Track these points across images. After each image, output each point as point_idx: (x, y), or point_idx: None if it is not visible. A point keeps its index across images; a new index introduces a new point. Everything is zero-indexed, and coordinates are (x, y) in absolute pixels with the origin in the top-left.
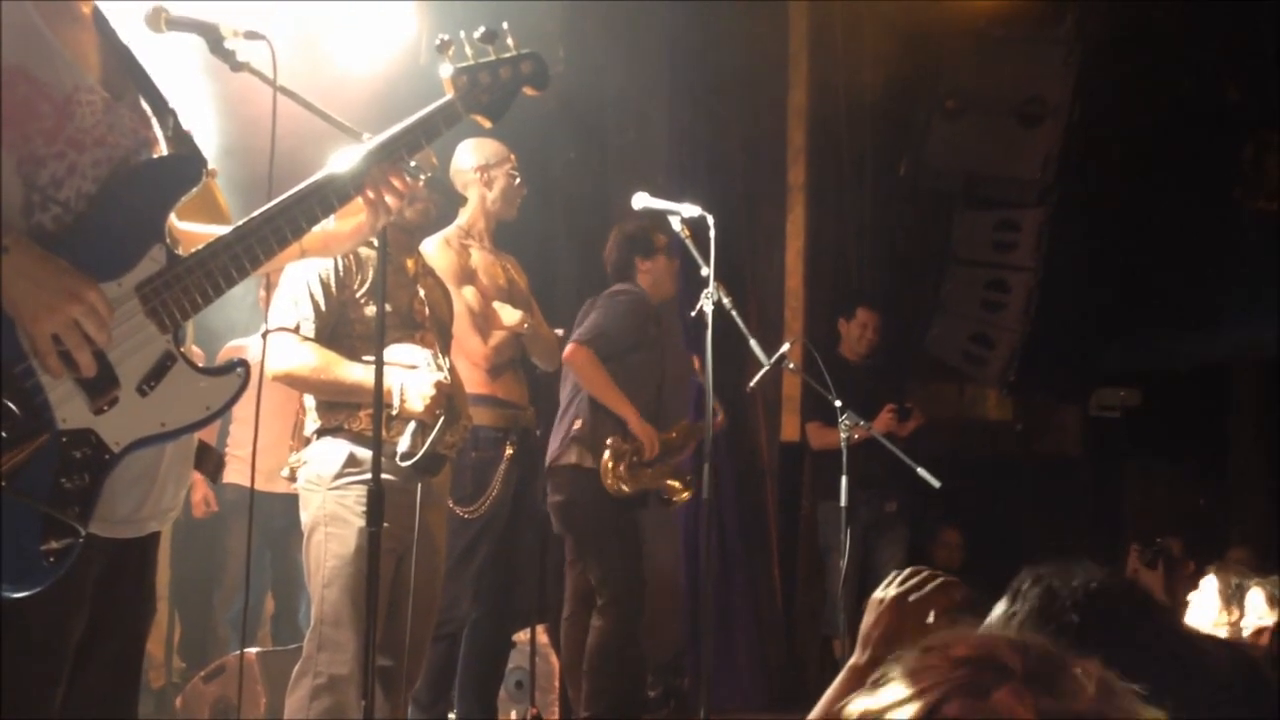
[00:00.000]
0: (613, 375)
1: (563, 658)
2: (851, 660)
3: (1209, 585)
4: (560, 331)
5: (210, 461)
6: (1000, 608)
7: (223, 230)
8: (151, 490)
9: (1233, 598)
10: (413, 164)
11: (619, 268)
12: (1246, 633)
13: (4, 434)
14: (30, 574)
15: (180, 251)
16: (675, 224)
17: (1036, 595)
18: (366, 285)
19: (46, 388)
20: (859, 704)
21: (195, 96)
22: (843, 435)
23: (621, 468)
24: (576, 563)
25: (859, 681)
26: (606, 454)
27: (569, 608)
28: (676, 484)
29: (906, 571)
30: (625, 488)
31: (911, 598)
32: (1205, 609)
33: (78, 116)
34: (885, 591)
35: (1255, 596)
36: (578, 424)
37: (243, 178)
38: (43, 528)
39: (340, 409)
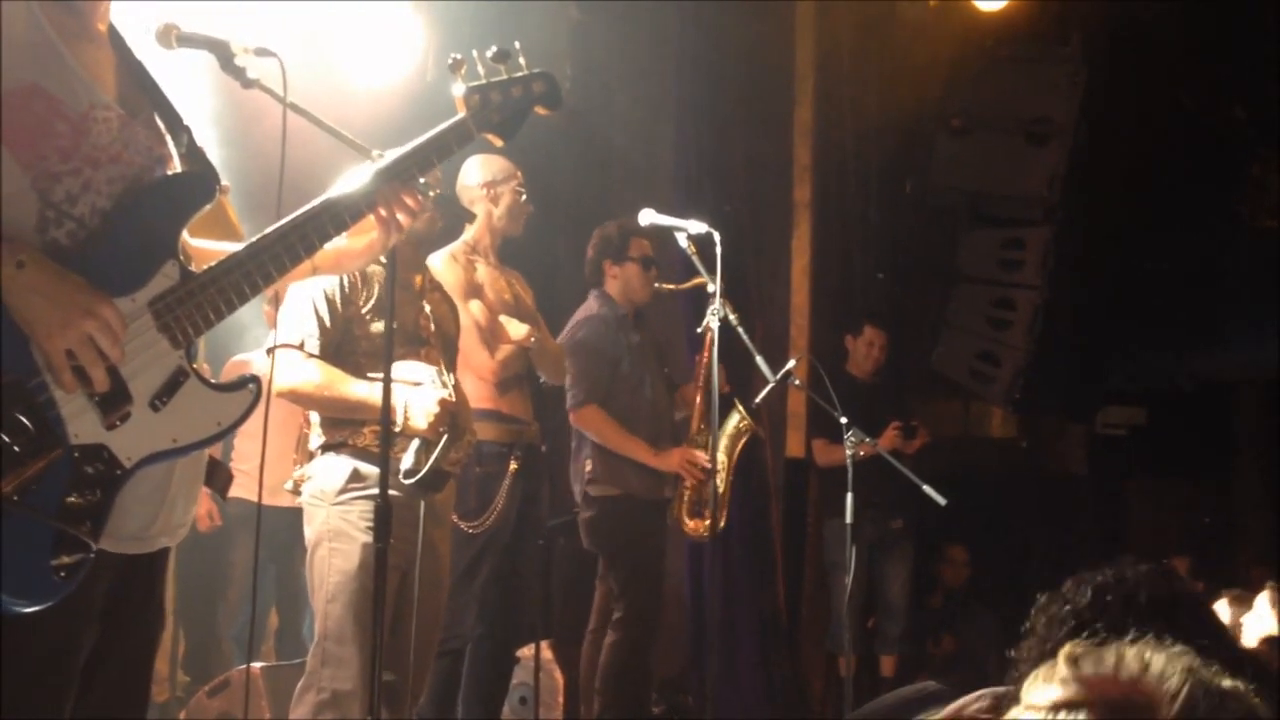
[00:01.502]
0: (609, 404)
1: (582, 672)
2: None
3: (1263, 603)
4: None
5: (220, 477)
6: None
7: (235, 247)
8: (162, 506)
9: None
10: (422, 181)
11: (591, 272)
12: (1248, 633)
13: (17, 449)
14: (41, 589)
15: (193, 268)
16: (682, 240)
17: (1089, 591)
18: (372, 302)
19: (59, 403)
20: None
21: (207, 112)
22: (848, 452)
23: (697, 521)
24: (606, 578)
25: None
26: (684, 520)
27: (594, 622)
28: (725, 459)
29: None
30: (720, 523)
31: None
32: (1260, 629)
33: (93, 134)
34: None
35: (1261, 600)
36: (588, 466)
37: (254, 194)
38: (54, 543)
39: (344, 425)
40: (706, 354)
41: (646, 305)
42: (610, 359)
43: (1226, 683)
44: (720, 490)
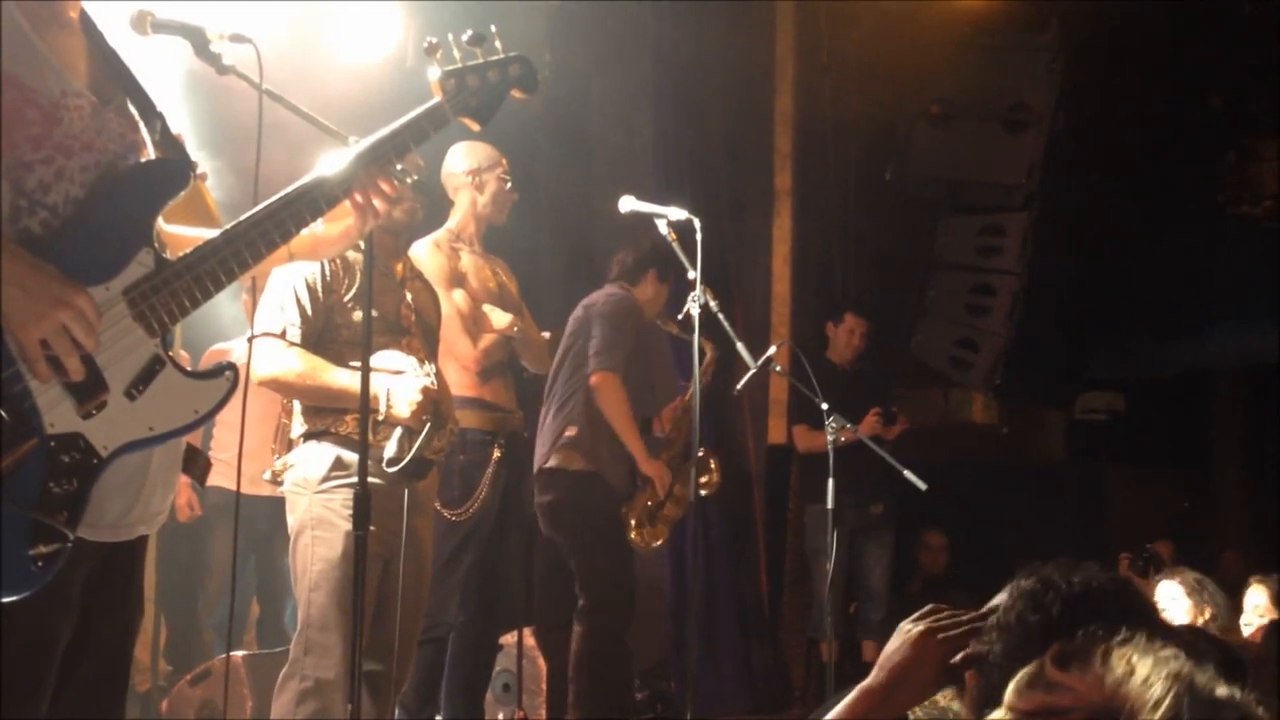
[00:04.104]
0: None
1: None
2: (866, 682)
3: (1169, 591)
4: (548, 335)
5: (198, 465)
6: (1000, 597)
7: (211, 234)
8: (139, 494)
9: (1201, 596)
10: (399, 167)
11: (629, 268)
12: (1248, 630)
13: None
14: (18, 579)
15: (168, 255)
16: (662, 227)
17: (1033, 583)
18: (353, 290)
19: (35, 393)
20: None
21: (184, 98)
22: (829, 438)
23: (645, 530)
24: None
25: (872, 704)
26: (630, 523)
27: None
28: (681, 494)
29: (934, 608)
30: (660, 541)
31: (940, 636)
32: (1174, 614)
33: (65, 121)
34: (914, 624)
35: (1257, 594)
36: (571, 431)
37: (231, 180)
38: (31, 533)
39: (326, 413)
40: (683, 400)
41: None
42: (630, 337)
43: (1222, 690)
44: (673, 515)
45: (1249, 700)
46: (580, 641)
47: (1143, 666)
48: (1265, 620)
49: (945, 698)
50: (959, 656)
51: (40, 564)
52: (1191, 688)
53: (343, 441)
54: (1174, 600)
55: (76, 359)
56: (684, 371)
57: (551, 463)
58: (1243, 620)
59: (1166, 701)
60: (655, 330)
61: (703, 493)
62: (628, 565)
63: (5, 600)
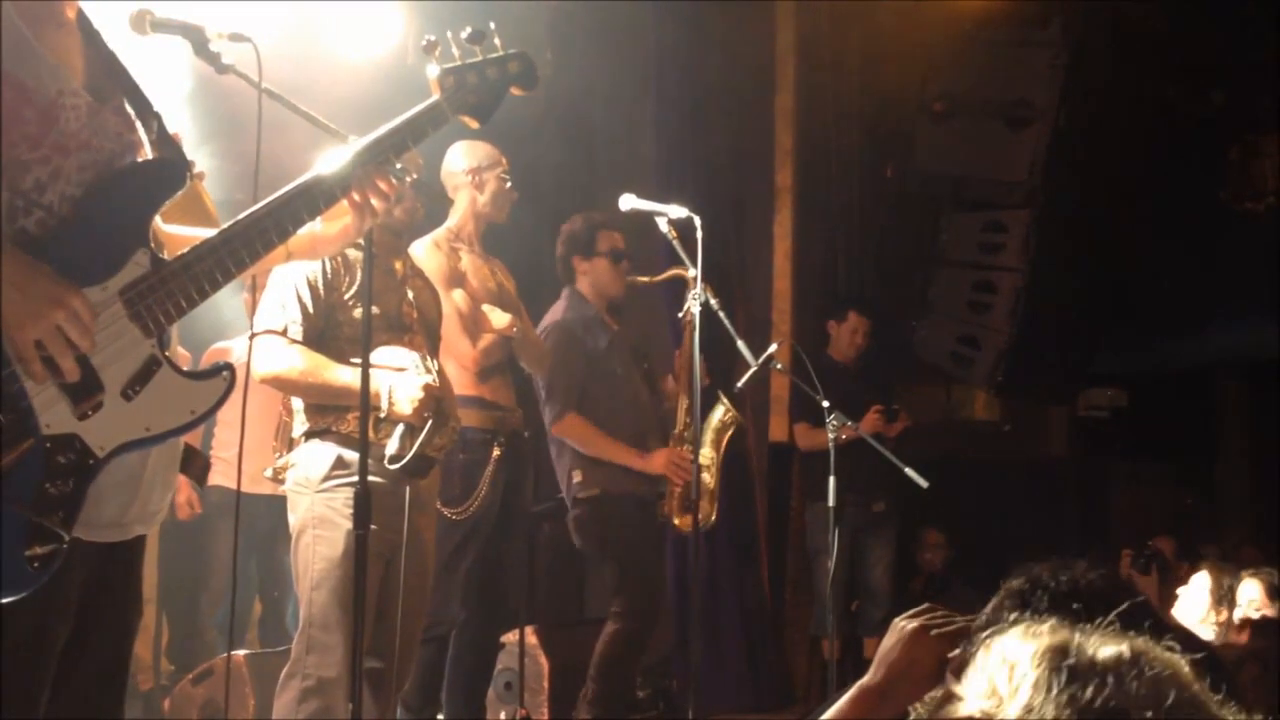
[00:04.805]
0: (590, 406)
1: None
2: (864, 680)
3: (1200, 582)
4: None
5: (196, 465)
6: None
7: (209, 233)
8: (137, 494)
9: (1224, 598)
10: (398, 166)
11: (562, 269)
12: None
13: None
14: (15, 579)
15: (166, 255)
16: (662, 225)
17: (1021, 583)
18: (355, 287)
19: (30, 393)
20: None
21: (185, 97)
22: (830, 436)
23: (688, 517)
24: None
25: (871, 701)
26: (672, 512)
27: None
28: (712, 453)
29: (929, 607)
30: (710, 518)
31: (934, 632)
32: (1194, 606)
33: (62, 121)
34: (910, 621)
35: (1251, 588)
36: (578, 476)
37: (230, 180)
38: (27, 533)
39: (328, 411)
40: (686, 343)
41: (621, 299)
42: (580, 363)
43: (1106, 651)
44: (710, 485)
45: (1143, 653)
46: (608, 641)
47: (1013, 655)
48: (1263, 614)
49: None
50: (951, 657)
51: (37, 564)
52: (1059, 657)
53: (344, 440)
54: (1200, 591)
55: (71, 359)
56: (675, 333)
57: (576, 495)
58: (1236, 615)
59: (1025, 692)
60: (637, 303)
61: (730, 432)
62: (650, 571)
63: (2, 601)
